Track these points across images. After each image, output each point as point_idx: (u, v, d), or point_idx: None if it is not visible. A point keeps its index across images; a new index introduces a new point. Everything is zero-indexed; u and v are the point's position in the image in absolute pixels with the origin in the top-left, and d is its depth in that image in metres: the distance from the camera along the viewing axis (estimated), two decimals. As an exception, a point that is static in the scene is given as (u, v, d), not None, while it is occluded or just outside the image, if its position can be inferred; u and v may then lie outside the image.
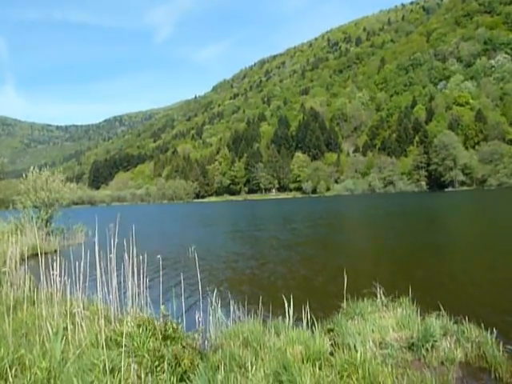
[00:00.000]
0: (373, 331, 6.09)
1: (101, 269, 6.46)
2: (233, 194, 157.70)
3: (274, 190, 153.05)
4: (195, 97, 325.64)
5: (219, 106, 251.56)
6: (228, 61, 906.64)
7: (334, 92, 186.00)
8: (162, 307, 5.79)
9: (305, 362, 4.99)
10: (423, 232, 22.50)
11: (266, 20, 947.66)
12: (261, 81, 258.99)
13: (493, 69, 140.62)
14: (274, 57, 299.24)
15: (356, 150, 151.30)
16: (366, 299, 7.52)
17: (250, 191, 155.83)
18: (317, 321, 6.20)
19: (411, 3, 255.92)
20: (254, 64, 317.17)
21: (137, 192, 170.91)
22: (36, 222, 20.06)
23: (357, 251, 17.52)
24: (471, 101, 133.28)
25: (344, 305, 7.31)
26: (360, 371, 4.61)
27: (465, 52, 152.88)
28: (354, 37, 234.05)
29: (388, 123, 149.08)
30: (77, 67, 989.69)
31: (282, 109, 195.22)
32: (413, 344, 5.68)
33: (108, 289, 6.86)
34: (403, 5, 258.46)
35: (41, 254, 7.28)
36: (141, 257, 6.99)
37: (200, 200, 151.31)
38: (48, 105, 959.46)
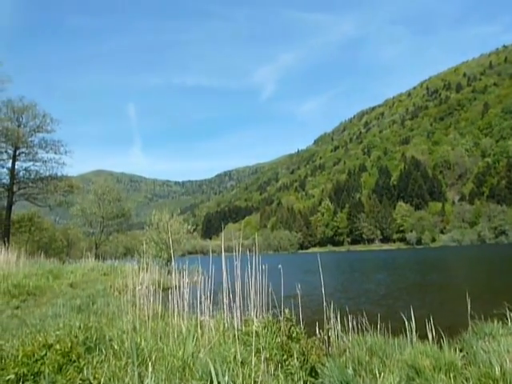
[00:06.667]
0: (508, 351, 5.69)
1: (227, 281, 7.24)
2: (336, 244, 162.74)
3: (376, 241, 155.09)
4: (297, 150, 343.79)
5: (320, 158, 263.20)
6: (327, 113, 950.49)
7: (436, 140, 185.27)
8: (286, 311, 5.95)
9: (436, 371, 4.82)
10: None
11: (363, 71, 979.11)
12: (360, 132, 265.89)
13: None
14: (373, 108, 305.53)
15: (462, 199, 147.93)
16: (495, 322, 7.38)
17: (353, 242, 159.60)
18: (443, 339, 6.11)
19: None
20: (354, 116, 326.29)
21: (244, 242, 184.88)
22: (158, 262, 22.79)
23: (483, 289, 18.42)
24: None
25: (469, 326, 7.27)
26: None
27: None
28: (453, 83, 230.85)
29: (496, 169, 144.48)
30: (192, 127, 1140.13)
31: (383, 159, 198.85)
32: None
33: (233, 298, 7.40)
34: (505, 46, 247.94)
35: (164, 288, 8.63)
36: (263, 266, 7.52)
37: (304, 251, 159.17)
38: (167, 162, 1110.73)
